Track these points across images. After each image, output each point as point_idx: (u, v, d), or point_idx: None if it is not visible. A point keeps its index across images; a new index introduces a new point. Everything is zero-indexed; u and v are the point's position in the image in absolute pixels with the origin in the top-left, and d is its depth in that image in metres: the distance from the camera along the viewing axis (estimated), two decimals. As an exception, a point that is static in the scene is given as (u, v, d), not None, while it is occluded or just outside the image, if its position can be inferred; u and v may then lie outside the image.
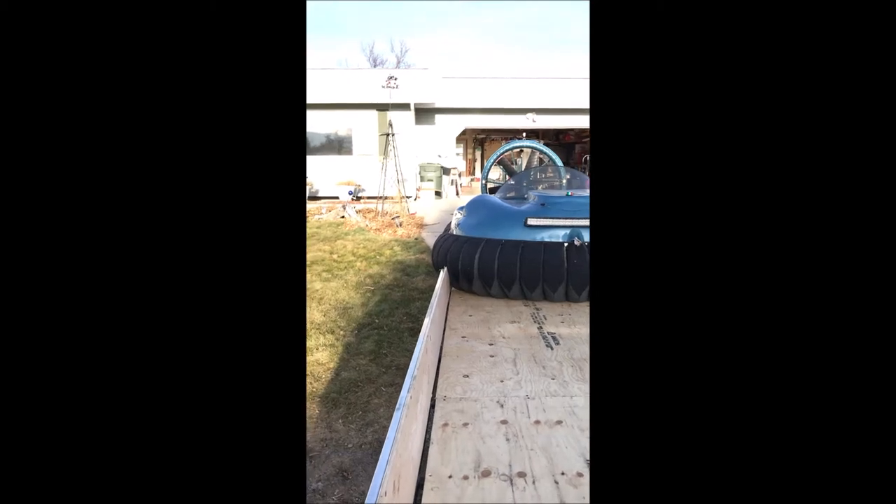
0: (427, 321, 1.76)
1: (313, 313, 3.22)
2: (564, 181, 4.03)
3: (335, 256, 4.90)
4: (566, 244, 2.65)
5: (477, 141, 15.88)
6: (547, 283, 2.60)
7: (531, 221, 2.75)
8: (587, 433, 1.42)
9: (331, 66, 17.11)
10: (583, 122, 11.54)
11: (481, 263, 2.69)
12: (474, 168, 15.93)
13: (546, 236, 2.71)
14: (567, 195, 3.01)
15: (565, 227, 2.70)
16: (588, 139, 13.39)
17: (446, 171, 11.28)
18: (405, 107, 10.06)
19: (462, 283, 2.82)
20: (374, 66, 24.96)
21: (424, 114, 11.15)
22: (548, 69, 35.00)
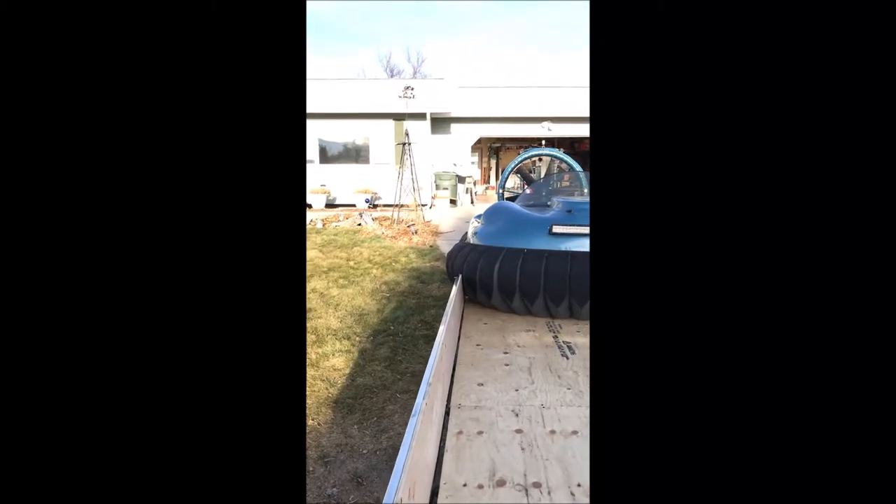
0: (442, 328, 1.77)
1: (330, 319, 3.25)
2: (586, 190, 3.88)
3: (352, 263, 4.95)
4: None
5: (492, 150, 15.92)
6: (574, 297, 2.39)
7: (556, 229, 2.56)
8: (603, 444, 1.40)
9: (349, 77, 17.39)
10: (599, 130, 11.45)
11: (501, 275, 2.51)
12: (489, 177, 15.95)
13: (573, 245, 2.51)
14: None
15: None
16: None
17: (461, 179, 11.31)
18: (421, 116, 10.14)
19: (480, 296, 2.66)
20: (391, 77, 25.30)
21: (440, 123, 11.23)
22: (569, 72, 34.89)
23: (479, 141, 12.82)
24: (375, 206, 10.00)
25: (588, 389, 1.77)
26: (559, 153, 4.87)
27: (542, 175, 5.17)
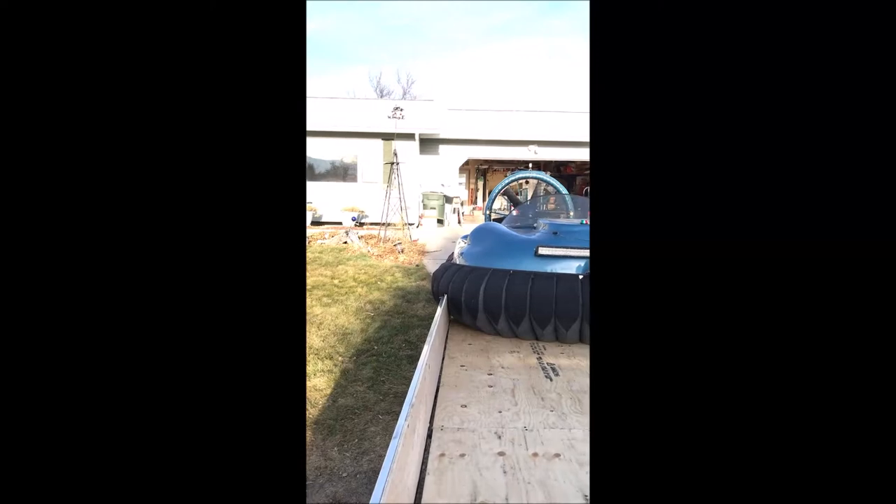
0: (426, 349, 1.76)
1: (312, 338, 3.20)
2: (572, 213, 3.93)
3: (336, 281, 4.91)
4: (581, 276, 2.44)
5: (479, 171, 16.13)
6: (560, 319, 2.37)
7: (542, 251, 2.56)
8: (586, 467, 1.40)
9: (339, 96, 17.56)
10: (583, 154, 11.73)
11: (487, 296, 2.50)
12: (476, 197, 16.11)
13: (559, 267, 2.51)
14: (581, 223, 2.84)
15: (580, 257, 2.50)
16: (589, 171, 13.55)
17: (449, 199, 11.41)
18: (410, 136, 10.26)
19: (465, 317, 2.65)
20: (381, 97, 25.61)
21: (429, 143, 11.36)
22: (557, 95, 35.62)
23: (467, 162, 12.99)
24: (362, 225, 10.00)
25: (570, 412, 1.77)
26: (546, 176, 4.94)
27: (529, 197, 5.23)
